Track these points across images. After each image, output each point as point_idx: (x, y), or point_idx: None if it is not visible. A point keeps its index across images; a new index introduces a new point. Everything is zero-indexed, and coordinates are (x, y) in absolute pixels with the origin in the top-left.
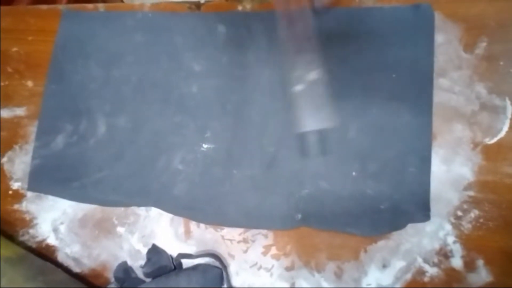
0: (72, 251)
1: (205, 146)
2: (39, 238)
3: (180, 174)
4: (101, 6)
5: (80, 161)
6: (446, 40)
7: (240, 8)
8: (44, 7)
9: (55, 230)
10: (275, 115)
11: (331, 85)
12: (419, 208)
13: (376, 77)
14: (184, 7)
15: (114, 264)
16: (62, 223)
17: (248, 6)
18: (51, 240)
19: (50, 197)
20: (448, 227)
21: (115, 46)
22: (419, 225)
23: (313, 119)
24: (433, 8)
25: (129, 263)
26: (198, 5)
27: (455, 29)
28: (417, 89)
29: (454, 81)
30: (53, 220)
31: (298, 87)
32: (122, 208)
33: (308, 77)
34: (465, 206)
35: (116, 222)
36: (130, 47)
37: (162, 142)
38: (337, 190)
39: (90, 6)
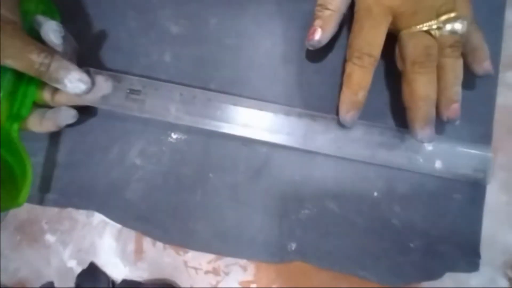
0: None
1: (174, 136)
2: None
3: (137, 171)
4: None
5: None
6: None
7: None
8: None
9: None
10: (274, 101)
11: None
12: (464, 252)
13: None
14: None
15: (36, 284)
16: None
17: None
18: None
19: None
20: (503, 283)
21: None
22: (461, 276)
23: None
24: None
25: (56, 285)
26: None
27: None
28: (475, 87)
29: None
30: None
31: None
32: (56, 209)
33: None
34: None
35: (45, 227)
36: None
37: (116, 126)
38: (350, 216)
39: None
